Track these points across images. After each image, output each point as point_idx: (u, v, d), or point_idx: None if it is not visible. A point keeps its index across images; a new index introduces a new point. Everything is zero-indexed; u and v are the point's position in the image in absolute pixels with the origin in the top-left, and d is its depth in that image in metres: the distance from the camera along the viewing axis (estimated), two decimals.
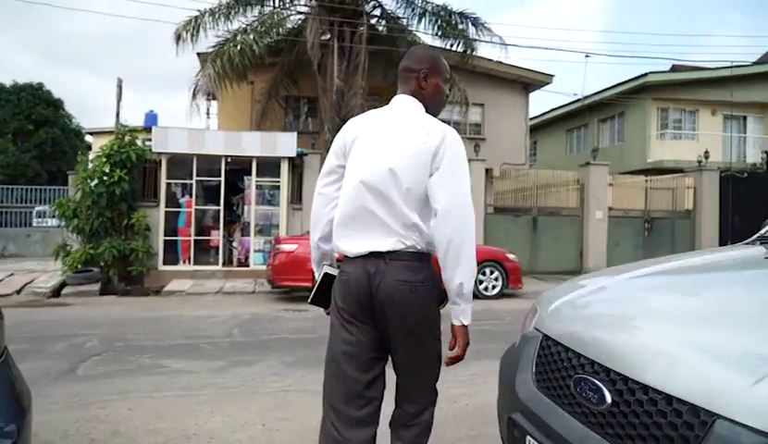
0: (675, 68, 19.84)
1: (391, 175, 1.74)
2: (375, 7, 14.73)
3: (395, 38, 13.85)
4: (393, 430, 1.92)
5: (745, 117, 19.45)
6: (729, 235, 13.54)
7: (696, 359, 1.20)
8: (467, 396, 3.85)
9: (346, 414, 1.78)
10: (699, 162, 14.23)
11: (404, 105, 1.90)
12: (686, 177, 14.45)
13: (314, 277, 2.04)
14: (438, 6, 14.07)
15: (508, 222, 13.04)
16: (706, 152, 14.60)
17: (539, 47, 48.94)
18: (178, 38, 13.08)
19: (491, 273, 9.32)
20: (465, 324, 1.78)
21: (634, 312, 1.56)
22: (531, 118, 18.43)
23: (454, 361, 1.80)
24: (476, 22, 13.99)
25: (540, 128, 23.14)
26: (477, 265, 1.81)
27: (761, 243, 2.31)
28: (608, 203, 13.76)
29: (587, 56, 24.49)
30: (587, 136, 21.51)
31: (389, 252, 1.73)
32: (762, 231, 2.43)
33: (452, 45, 13.97)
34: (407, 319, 1.74)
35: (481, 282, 9.17)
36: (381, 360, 1.86)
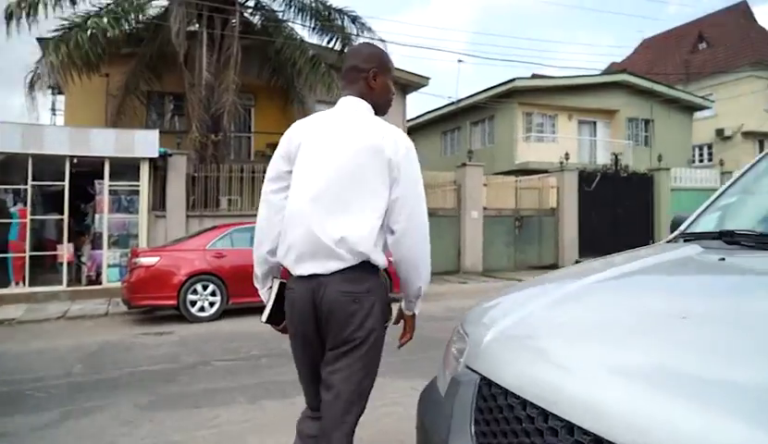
0: (534, 76, 21.35)
1: (341, 191, 1.68)
2: None
3: (271, 31, 13.06)
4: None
5: (595, 123, 21.42)
6: (589, 230, 14.70)
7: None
8: (361, 426, 3.33)
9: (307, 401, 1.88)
10: (561, 163, 15.25)
11: (353, 109, 1.80)
12: (549, 177, 15.41)
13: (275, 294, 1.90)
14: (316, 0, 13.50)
15: None
16: (566, 154, 15.69)
17: (419, 46, 50.41)
18: (9, 16, 11.02)
19: None
20: (417, 313, 1.90)
21: (622, 344, 1.09)
22: (408, 120, 18.57)
23: (406, 343, 1.92)
24: (355, 19, 13.59)
25: (417, 129, 23.53)
26: None
27: (685, 240, 2.11)
28: (483, 202, 14.18)
29: (459, 61, 25.47)
30: (460, 138, 22.28)
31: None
32: (683, 228, 2.23)
33: (330, 41, 13.47)
34: (347, 332, 1.67)
35: None
36: None
